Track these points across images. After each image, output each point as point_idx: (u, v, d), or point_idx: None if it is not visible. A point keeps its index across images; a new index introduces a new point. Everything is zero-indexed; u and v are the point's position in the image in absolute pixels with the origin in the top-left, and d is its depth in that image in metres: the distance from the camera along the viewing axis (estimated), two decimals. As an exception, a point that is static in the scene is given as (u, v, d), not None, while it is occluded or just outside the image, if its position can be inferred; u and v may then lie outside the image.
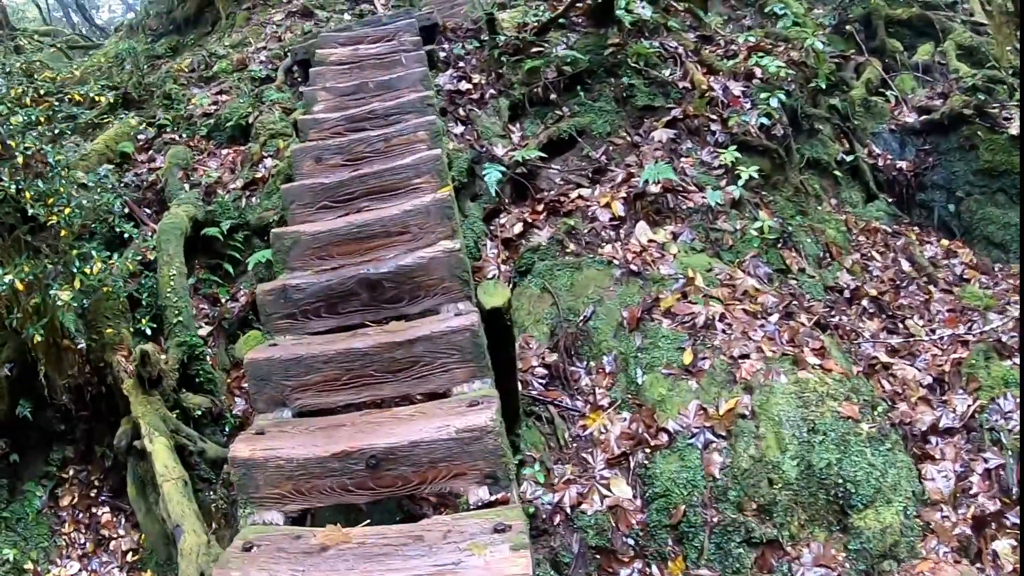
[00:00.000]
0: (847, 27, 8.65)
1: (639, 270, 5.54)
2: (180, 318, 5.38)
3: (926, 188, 7.68)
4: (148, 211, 6.90)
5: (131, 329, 5.49)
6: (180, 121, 7.57)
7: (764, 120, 6.62)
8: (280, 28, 8.75)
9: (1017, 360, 5.37)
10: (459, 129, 6.39)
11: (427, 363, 3.85)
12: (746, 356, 5.14)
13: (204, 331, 5.98)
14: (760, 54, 7.07)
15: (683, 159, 6.33)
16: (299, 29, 8.63)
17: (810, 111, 7.12)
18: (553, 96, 6.64)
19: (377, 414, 3.76)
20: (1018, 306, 6.04)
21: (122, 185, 7.04)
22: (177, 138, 7.45)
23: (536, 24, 7.02)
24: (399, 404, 4.05)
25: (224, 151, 7.17)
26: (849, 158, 7.24)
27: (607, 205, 5.97)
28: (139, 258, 5.73)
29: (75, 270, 4.86)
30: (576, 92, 6.73)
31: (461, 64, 7.12)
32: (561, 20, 7.15)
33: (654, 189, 5.93)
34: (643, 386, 5.11)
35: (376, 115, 5.82)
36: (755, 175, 6.09)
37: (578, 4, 6.92)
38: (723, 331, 5.28)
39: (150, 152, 7.43)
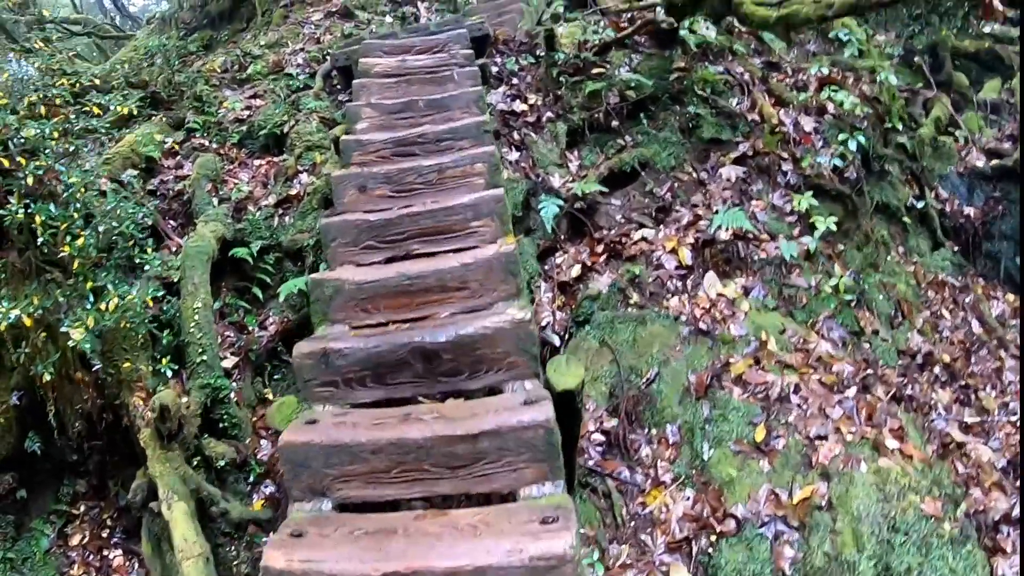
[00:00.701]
0: (915, 59, 7.86)
1: (708, 329, 4.85)
2: (204, 357, 4.70)
3: (993, 238, 6.95)
4: (173, 223, 6.21)
5: (150, 363, 4.81)
6: (211, 126, 6.85)
7: (837, 161, 5.90)
8: (318, 29, 7.99)
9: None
10: (514, 155, 5.67)
11: (492, 460, 3.19)
12: (823, 438, 4.48)
13: (229, 362, 5.31)
14: (833, 87, 6.33)
15: (753, 201, 5.63)
16: (338, 30, 7.89)
17: (882, 151, 6.39)
18: (615, 123, 5.91)
19: (433, 519, 3.09)
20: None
21: (146, 192, 6.35)
22: (207, 144, 6.73)
23: (597, 43, 6.26)
24: (458, 504, 3.37)
25: (256, 162, 6.46)
26: (919, 204, 6.50)
27: (673, 251, 5.27)
28: (160, 285, 5.03)
29: (88, 307, 4.18)
30: (639, 120, 6.01)
31: (515, 81, 6.39)
32: (624, 40, 6.41)
33: (724, 236, 5.23)
34: (710, 462, 4.45)
35: (427, 139, 5.11)
36: (832, 226, 5.38)
37: (648, 25, 6.15)
38: (798, 405, 4.62)
39: (177, 158, 6.72)
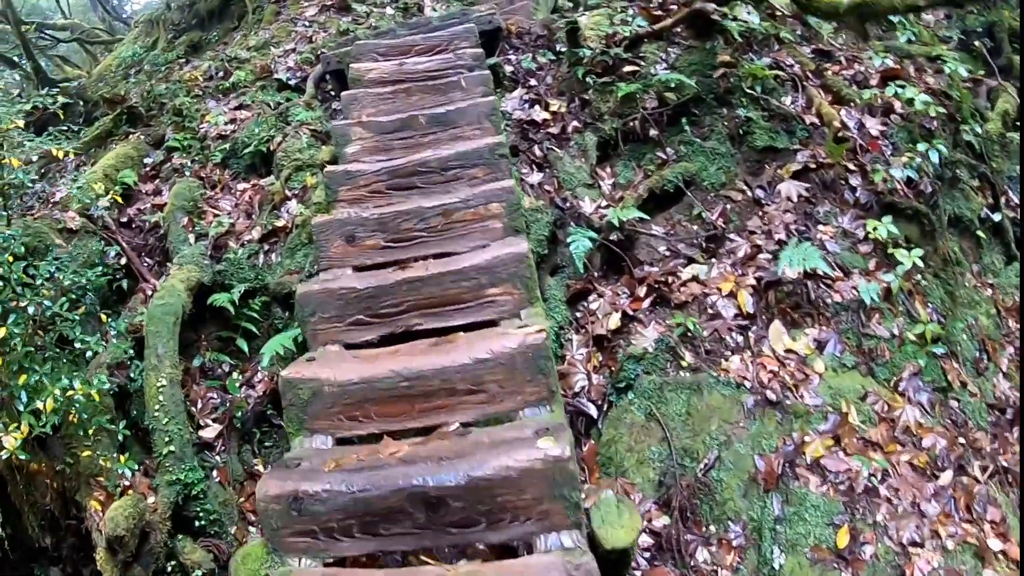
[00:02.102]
0: (974, 42, 6.45)
1: (777, 398, 3.69)
2: (172, 447, 3.61)
3: (1072, 245, 5.67)
4: (150, 261, 5.05)
5: (113, 451, 3.72)
6: (192, 143, 5.63)
7: (911, 173, 4.62)
8: (312, 26, 6.68)
9: None
10: (535, 177, 4.44)
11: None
12: (918, 544, 3.35)
13: (211, 431, 4.22)
14: (899, 83, 5.00)
15: (820, 227, 4.38)
16: (334, 26, 6.57)
17: (953, 156, 5.08)
18: (653, 132, 4.64)
19: None
20: None
21: (119, 226, 5.19)
22: (188, 163, 5.52)
23: (628, 36, 4.93)
24: None
25: (241, 186, 5.26)
26: (995, 216, 5.21)
27: (731, 294, 4.06)
28: (131, 343, 3.92)
29: (20, 409, 3.07)
30: (680, 126, 4.74)
31: (532, 83, 5.11)
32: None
33: (790, 274, 4.01)
34: (781, 573, 3.32)
35: (430, 167, 3.91)
36: (918, 260, 4.15)
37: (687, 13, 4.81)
38: (888, 499, 3.47)
39: (156, 181, 5.53)
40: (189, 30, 7.97)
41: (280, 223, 4.85)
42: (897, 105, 5.01)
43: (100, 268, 4.63)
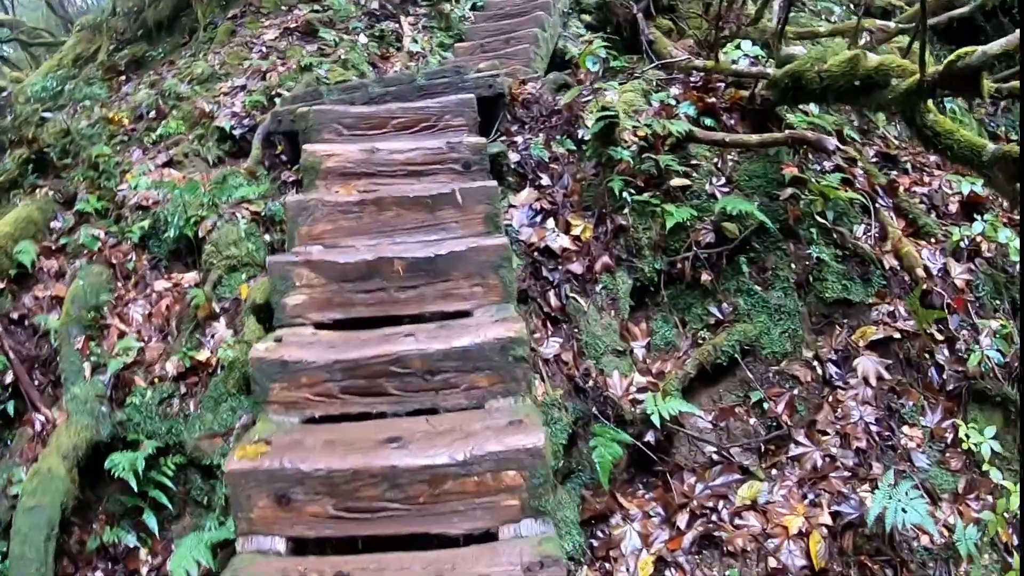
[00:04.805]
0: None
1: None
2: None
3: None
4: (42, 380, 3.24)
5: None
6: (109, 206, 3.74)
7: (998, 350, 3.12)
8: (270, 56, 4.64)
9: None
10: (550, 347, 2.77)
11: None
12: None
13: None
14: (985, 215, 3.47)
15: (905, 429, 2.87)
16: (295, 57, 4.57)
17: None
18: (706, 277, 2.99)
19: None
20: None
21: (9, 324, 3.36)
22: (101, 236, 3.63)
23: (676, 136, 3.20)
24: None
25: (159, 283, 3.43)
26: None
27: (800, 534, 2.54)
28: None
29: None
30: (738, 266, 3.12)
31: (545, 180, 3.35)
32: (708, 119, 3.38)
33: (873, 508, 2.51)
34: None
35: (409, 370, 2.26)
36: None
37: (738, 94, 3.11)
38: None
39: (61, 258, 3.66)
40: (134, 41, 5.76)
41: (202, 356, 3.08)
42: (985, 246, 3.49)
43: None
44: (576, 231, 3.06)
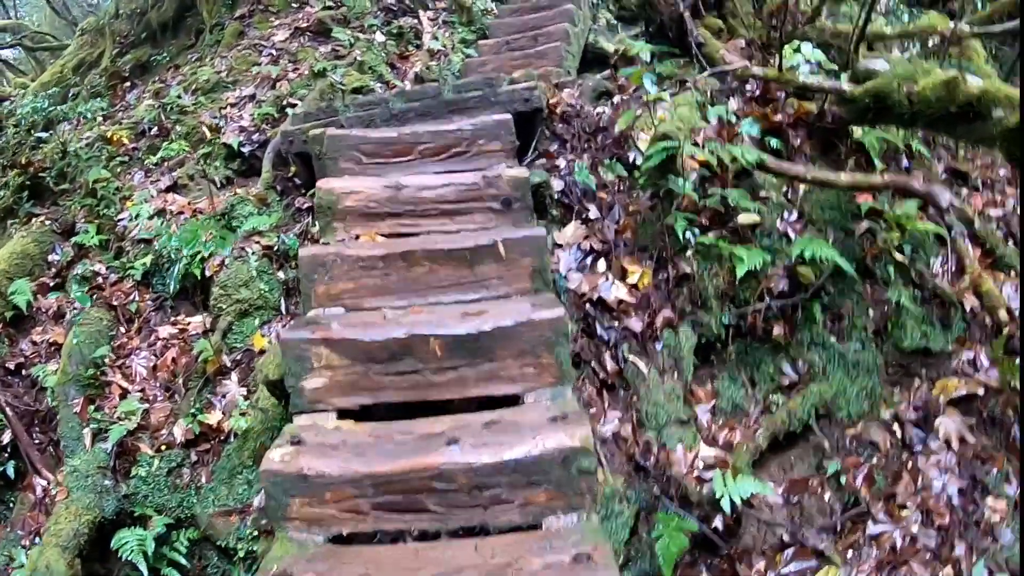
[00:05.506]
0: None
1: None
2: None
3: None
4: (41, 440, 2.85)
5: None
6: (109, 240, 3.28)
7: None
8: (280, 59, 4.06)
9: None
10: (608, 425, 2.31)
11: None
12: None
13: None
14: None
15: (989, 502, 2.42)
16: (308, 60, 3.99)
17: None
18: (778, 331, 2.51)
19: None
20: None
21: (6, 374, 2.98)
22: (101, 271, 3.18)
23: (743, 163, 2.66)
24: None
25: (164, 329, 3.00)
26: None
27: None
28: None
29: None
30: (811, 315, 2.62)
31: (593, 212, 2.84)
32: (774, 139, 2.84)
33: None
34: None
35: (454, 485, 1.81)
36: None
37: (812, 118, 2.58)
38: None
39: (59, 297, 3.21)
40: (138, 45, 5.17)
41: (213, 419, 2.66)
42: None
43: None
44: (633, 278, 2.57)
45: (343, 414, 2.13)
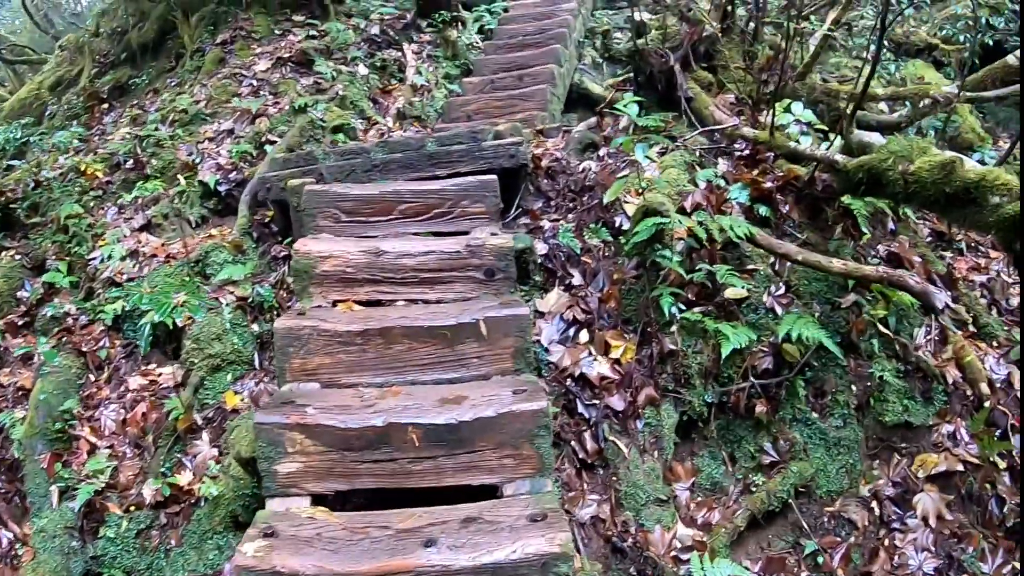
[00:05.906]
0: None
1: None
2: None
3: None
4: (8, 490, 2.75)
5: None
6: (79, 280, 3.15)
7: (1075, 468, 2.71)
8: (261, 91, 3.94)
9: None
10: (586, 509, 2.28)
11: None
12: None
13: None
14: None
15: (968, 582, 2.46)
16: (289, 92, 3.88)
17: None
18: (761, 408, 2.51)
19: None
20: None
21: None
22: (71, 311, 3.07)
23: (732, 235, 2.65)
24: None
25: (134, 379, 2.89)
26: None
27: None
28: None
29: None
30: (794, 391, 2.62)
31: (576, 279, 2.81)
32: (763, 207, 2.84)
33: None
34: None
35: None
36: None
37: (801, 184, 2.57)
38: None
39: (27, 336, 3.08)
40: (118, 65, 4.99)
41: (183, 480, 2.57)
42: (1051, 346, 3.03)
43: None
44: (616, 352, 2.53)
45: (317, 499, 2.08)
